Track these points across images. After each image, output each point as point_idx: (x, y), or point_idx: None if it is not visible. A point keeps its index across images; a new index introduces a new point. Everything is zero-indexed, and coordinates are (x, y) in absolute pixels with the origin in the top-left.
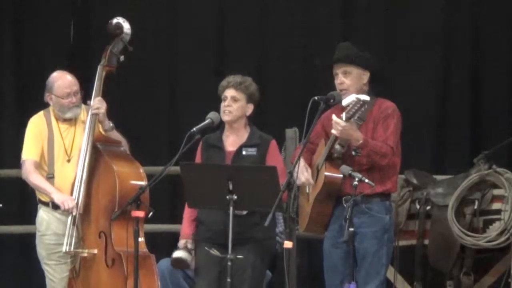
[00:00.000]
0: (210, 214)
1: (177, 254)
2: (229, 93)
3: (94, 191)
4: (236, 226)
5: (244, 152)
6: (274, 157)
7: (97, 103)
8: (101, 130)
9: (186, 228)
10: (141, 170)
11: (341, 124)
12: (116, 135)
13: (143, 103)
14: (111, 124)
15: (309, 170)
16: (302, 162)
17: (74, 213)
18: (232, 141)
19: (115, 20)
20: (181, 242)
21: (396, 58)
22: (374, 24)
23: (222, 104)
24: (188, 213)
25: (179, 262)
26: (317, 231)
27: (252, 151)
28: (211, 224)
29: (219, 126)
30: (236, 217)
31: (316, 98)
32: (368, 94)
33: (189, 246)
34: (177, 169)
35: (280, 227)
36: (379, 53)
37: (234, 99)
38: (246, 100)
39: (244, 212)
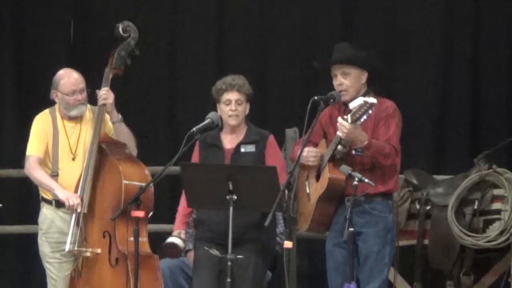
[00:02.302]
0: (210, 214)
1: (170, 239)
2: (233, 96)
3: (99, 190)
4: (237, 226)
5: (242, 150)
6: (273, 152)
7: (104, 93)
8: (107, 129)
9: (179, 222)
10: (147, 171)
11: (347, 127)
12: (124, 127)
13: (143, 103)
14: (120, 116)
15: (309, 148)
16: (305, 150)
17: (79, 210)
18: (230, 139)
19: (122, 24)
20: (175, 232)
21: (396, 57)
22: (374, 24)
23: (226, 108)
24: (182, 211)
25: (170, 248)
26: (319, 231)
27: (251, 148)
28: (211, 224)
29: (219, 126)
30: (237, 217)
31: (316, 98)
32: (367, 94)
33: (182, 236)
34: (177, 169)
35: (280, 228)
36: (379, 53)
37: (238, 102)
38: (246, 100)
39: None
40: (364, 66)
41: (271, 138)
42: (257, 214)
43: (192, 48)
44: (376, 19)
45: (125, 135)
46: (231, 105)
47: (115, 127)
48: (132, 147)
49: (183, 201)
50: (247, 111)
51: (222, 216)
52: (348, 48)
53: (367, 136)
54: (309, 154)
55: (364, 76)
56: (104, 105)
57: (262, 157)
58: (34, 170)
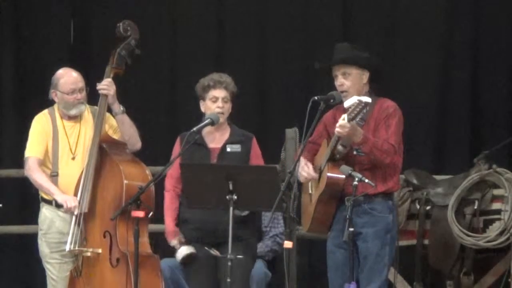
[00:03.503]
0: (195, 213)
1: (185, 250)
2: (221, 93)
3: (99, 190)
4: (222, 224)
5: (228, 149)
6: (257, 154)
7: (106, 83)
8: (108, 125)
9: (172, 226)
10: (147, 171)
11: (343, 125)
12: (126, 119)
13: (143, 103)
14: (121, 108)
15: (310, 166)
16: (302, 161)
17: (75, 213)
18: (214, 138)
19: (123, 24)
20: (175, 241)
21: (396, 58)
22: (374, 24)
23: (213, 105)
24: (169, 211)
25: (190, 258)
26: (320, 232)
27: (237, 147)
28: (197, 223)
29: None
30: (221, 216)
31: (316, 98)
32: (369, 94)
33: (183, 240)
34: None
35: (280, 228)
36: (378, 52)
37: (225, 100)
38: (231, 99)
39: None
40: (365, 66)
41: (255, 140)
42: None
43: (192, 48)
44: (376, 19)
45: (128, 127)
46: (218, 102)
47: (118, 119)
48: (136, 139)
49: (168, 202)
50: (230, 110)
51: (209, 215)
52: (349, 48)
53: (362, 131)
54: (304, 170)
55: (365, 76)
56: (105, 95)
57: (248, 157)
58: (33, 173)
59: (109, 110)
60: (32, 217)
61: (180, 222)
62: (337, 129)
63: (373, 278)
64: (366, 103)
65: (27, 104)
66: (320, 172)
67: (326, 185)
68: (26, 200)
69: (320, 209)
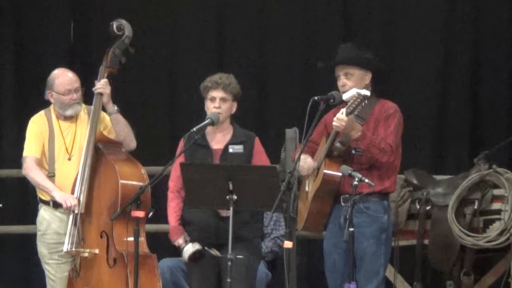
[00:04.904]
0: (197, 214)
1: (192, 248)
2: (218, 94)
3: (95, 191)
4: (226, 225)
5: (231, 150)
6: (260, 154)
7: (102, 83)
8: (103, 125)
9: (176, 225)
10: (143, 170)
11: (341, 119)
12: (121, 118)
13: (143, 103)
14: (115, 108)
15: (308, 159)
16: (302, 157)
17: (76, 211)
18: (217, 139)
19: (116, 22)
20: (181, 240)
21: (396, 58)
22: (374, 24)
23: (211, 105)
24: (173, 210)
25: (197, 255)
26: (315, 230)
27: (239, 148)
28: (199, 225)
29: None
30: (225, 217)
31: (316, 98)
32: (371, 95)
33: (188, 238)
34: None
35: (282, 231)
36: (379, 53)
37: (223, 100)
38: (232, 99)
39: (228, 214)
40: (367, 67)
41: (257, 140)
42: (246, 213)
43: (192, 48)
44: (376, 19)
45: (123, 126)
46: (215, 102)
47: (112, 118)
48: (130, 138)
49: (172, 202)
50: (234, 110)
51: (210, 216)
52: (352, 49)
53: (361, 127)
54: (305, 164)
55: (367, 77)
56: (101, 94)
57: (250, 157)
58: (31, 171)
59: (104, 110)
60: (32, 217)
61: (182, 223)
62: (334, 123)
63: (370, 278)
64: (365, 96)
65: (27, 104)
66: (317, 168)
67: (322, 181)
68: (26, 200)
69: (316, 206)
